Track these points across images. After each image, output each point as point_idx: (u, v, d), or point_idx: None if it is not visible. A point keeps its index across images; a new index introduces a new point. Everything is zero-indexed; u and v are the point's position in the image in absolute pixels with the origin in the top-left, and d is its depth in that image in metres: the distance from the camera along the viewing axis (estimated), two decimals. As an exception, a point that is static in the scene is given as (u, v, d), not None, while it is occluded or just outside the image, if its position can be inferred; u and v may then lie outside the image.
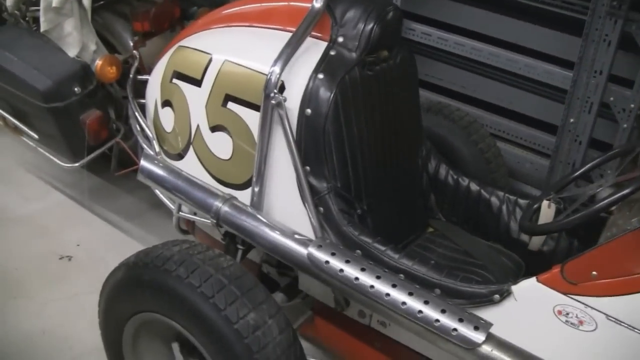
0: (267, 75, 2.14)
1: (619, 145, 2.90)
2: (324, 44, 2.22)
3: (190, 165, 2.50)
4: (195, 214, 2.56)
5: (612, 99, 3.10)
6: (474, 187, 2.58)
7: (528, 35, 3.37)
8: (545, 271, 1.88)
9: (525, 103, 3.50)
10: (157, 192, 2.71)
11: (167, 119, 2.59)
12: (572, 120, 3.15)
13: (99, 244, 3.23)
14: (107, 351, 2.33)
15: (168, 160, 2.61)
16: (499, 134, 3.50)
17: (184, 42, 2.57)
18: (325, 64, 2.17)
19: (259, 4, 2.56)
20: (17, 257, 3.07)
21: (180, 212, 2.61)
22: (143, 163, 2.49)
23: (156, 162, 2.49)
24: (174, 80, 2.53)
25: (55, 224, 3.32)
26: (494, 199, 2.55)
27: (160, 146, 2.68)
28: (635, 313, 1.76)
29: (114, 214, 3.52)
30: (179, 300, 1.95)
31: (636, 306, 1.76)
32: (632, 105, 3.07)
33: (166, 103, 2.59)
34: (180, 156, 2.55)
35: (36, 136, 3.29)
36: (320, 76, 2.15)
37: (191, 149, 2.49)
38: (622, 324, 1.76)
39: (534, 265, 2.38)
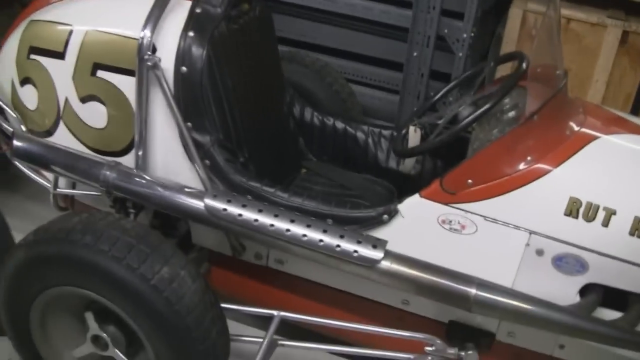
0: (138, 39, 2.17)
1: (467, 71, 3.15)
2: (188, 3, 2.28)
3: (62, 139, 2.47)
4: (73, 187, 2.57)
5: (446, 31, 3.37)
6: (339, 124, 2.75)
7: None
8: (425, 187, 2.08)
9: (368, 45, 3.70)
10: (27, 171, 2.67)
11: (29, 96, 2.54)
12: (415, 54, 3.39)
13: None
14: (12, 339, 2.30)
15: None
16: (347, 77, 3.66)
17: (36, 16, 2.52)
18: (193, 22, 2.24)
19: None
20: None
21: (58, 189, 2.60)
22: (17, 143, 2.43)
23: (31, 140, 2.45)
24: (32, 56, 2.48)
25: None
26: (359, 134, 2.73)
27: (25, 126, 2.63)
28: (508, 210, 2.01)
29: (-32, 208, 3.39)
30: (90, 268, 1.98)
31: (507, 204, 2.01)
32: (465, 35, 3.34)
33: (26, 81, 2.53)
34: (49, 133, 2.51)
35: None
36: (191, 34, 2.21)
37: (61, 123, 2.47)
38: (498, 221, 2.01)
39: (403, 189, 2.59)
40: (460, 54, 3.38)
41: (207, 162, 2.26)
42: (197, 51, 2.21)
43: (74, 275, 2.04)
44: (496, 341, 2.24)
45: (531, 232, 2.00)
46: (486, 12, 3.57)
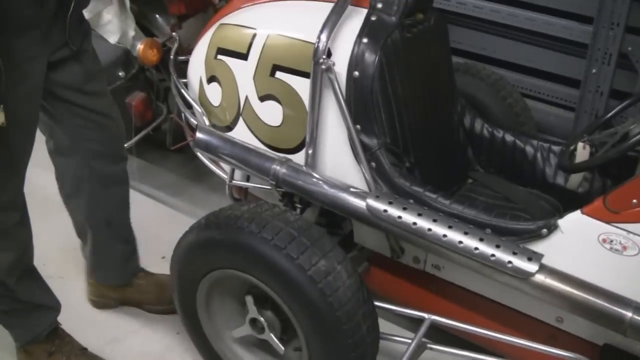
0: (314, 43, 2.29)
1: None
2: (364, 11, 2.37)
3: (240, 135, 2.64)
4: (247, 180, 2.73)
5: (630, 49, 3.25)
6: (508, 137, 2.74)
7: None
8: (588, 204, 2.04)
9: (545, 60, 3.65)
10: (208, 163, 2.87)
11: (214, 93, 2.73)
12: (594, 71, 3.30)
13: (150, 222, 3.35)
14: (181, 313, 2.49)
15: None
16: (522, 92, 3.63)
17: (225, 20, 2.71)
18: (368, 29, 2.32)
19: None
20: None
21: (233, 181, 2.77)
22: (199, 135, 2.63)
23: (211, 132, 2.64)
24: (219, 57, 2.67)
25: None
26: (528, 148, 2.70)
27: (209, 120, 2.83)
28: (675, 235, 1.93)
29: (159, 191, 3.68)
30: (253, 254, 2.10)
31: (675, 228, 1.92)
32: (651, 54, 3.22)
33: (212, 79, 2.73)
34: (229, 128, 2.69)
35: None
36: (365, 40, 2.30)
37: (240, 119, 2.64)
38: (663, 246, 1.93)
39: (569, 206, 2.54)
40: (644, 73, 3.26)
41: (373, 164, 2.33)
42: (369, 57, 2.29)
43: (237, 260, 2.17)
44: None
45: (698, 259, 1.92)
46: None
